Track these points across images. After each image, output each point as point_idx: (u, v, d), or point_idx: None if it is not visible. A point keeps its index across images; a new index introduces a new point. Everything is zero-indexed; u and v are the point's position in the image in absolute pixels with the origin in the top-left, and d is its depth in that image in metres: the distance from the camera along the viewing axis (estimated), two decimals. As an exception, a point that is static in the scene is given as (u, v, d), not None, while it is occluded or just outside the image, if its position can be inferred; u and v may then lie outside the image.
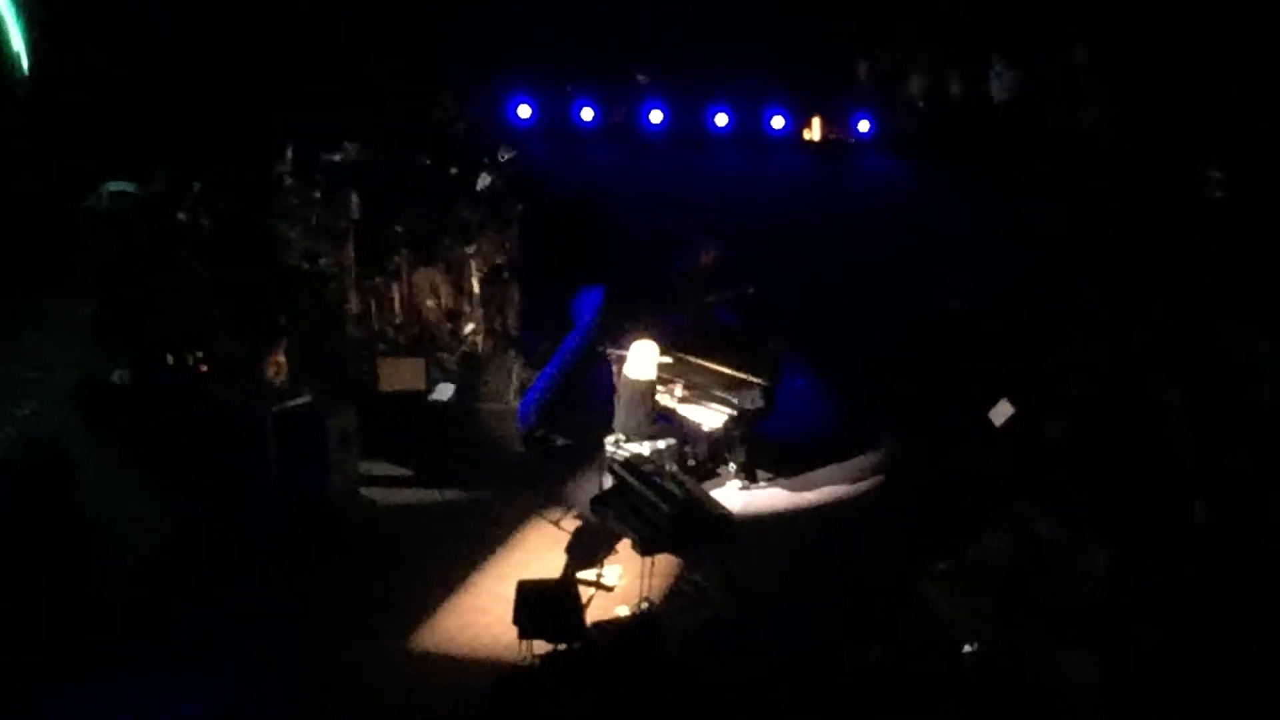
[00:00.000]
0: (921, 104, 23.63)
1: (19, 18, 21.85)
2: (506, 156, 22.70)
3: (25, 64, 22.09)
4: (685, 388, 20.14)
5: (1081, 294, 20.47)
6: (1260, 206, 20.27)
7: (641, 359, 19.54)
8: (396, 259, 21.75)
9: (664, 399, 19.96)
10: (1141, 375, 18.72)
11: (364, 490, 19.66)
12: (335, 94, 22.99)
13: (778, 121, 23.95)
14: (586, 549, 18.49)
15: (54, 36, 22.43)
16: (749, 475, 19.75)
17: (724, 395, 19.96)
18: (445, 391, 21.13)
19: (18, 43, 21.96)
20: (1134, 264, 20.50)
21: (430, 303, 21.75)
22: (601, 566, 17.95)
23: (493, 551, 18.56)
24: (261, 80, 23.14)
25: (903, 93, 23.81)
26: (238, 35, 23.31)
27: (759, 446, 19.99)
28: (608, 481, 18.81)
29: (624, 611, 17.14)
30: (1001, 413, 19.14)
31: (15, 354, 20.66)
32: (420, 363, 21.23)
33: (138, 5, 22.89)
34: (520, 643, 15.79)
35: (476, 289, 21.88)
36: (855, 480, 19.69)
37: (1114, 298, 20.06)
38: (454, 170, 22.45)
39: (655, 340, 19.78)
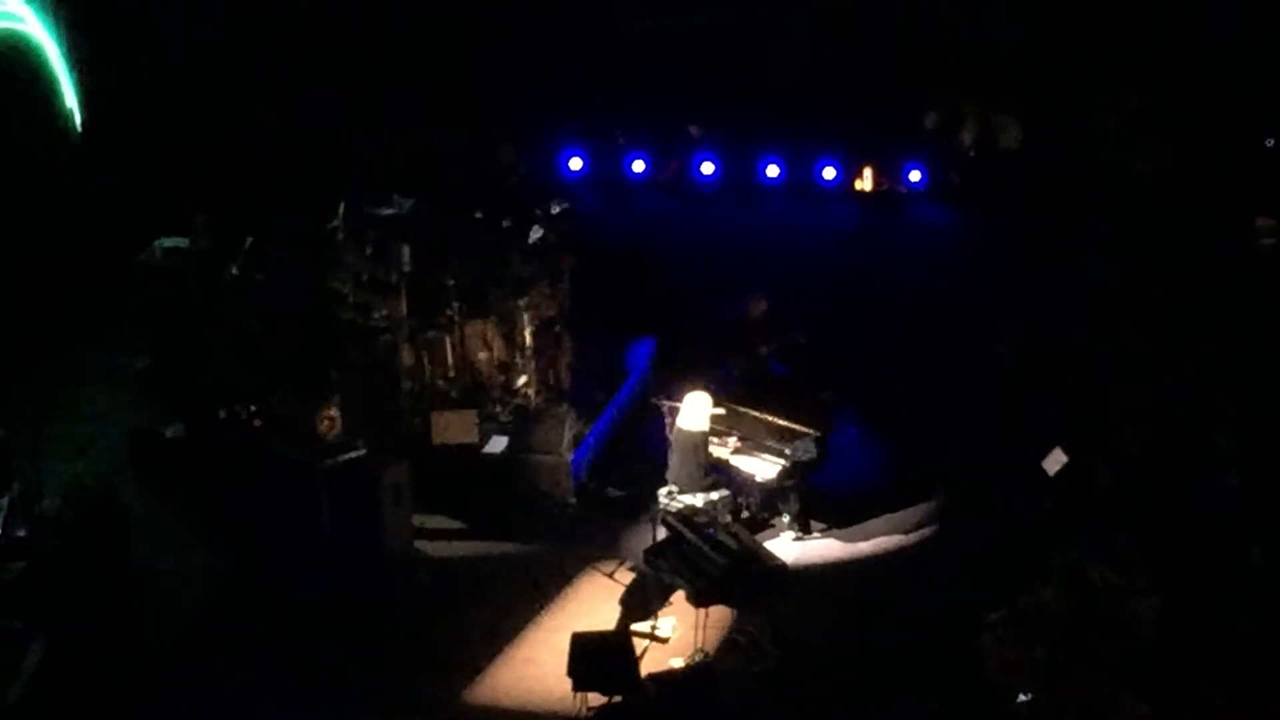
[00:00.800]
0: (973, 153, 23.64)
1: (73, 76, 22.17)
2: (558, 209, 22.65)
3: (78, 121, 22.34)
4: (738, 439, 19.96)
5: (1132, 341, 20.22)
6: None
7: (694, 410, 19.38)
8: (449, 312, 21.63)
9: (717, 450, 19.77)
10: (1192, 422, 18.50)
11: (418, 544, 19.55)
12: (388, 148, 23.19)
13: (829, 172, 24.00)
14: (640, 601, 18.35)
15: (105, 95, 22.80)
16: (803, 526, 19.59)
17: (777, 446, 19.78)
18: (498, 444, 21.01)
19: (69, 95, 22.26)
20: (1184, 311, 20.35)
21: (483, 355, 21.67)
22: (656, 618, 17.85)
23: (546, 604, 18.50)
24: (315, 134, 23.52)
25: (955, 143, 23.85)
26: (291, 90, 23.66)
27: (812, 497, 19.80)
28: (661, 533, 18.73)
29: (679, 663, 17.07)
30: (1055, 461, 18.92)
31: (70, 408, 20.87)
32: (472, 415, 21.09)
33: (185, 61, 23.28)
34: (574, 695, 15.74)
35: (529, 341, 21.78)
36: (909, 531, 19.51)
37: (1164, 345, 19.81)
38: (506, 223, 22.41)
39: (708, 391, 19.63)
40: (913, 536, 19.54)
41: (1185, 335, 19.46)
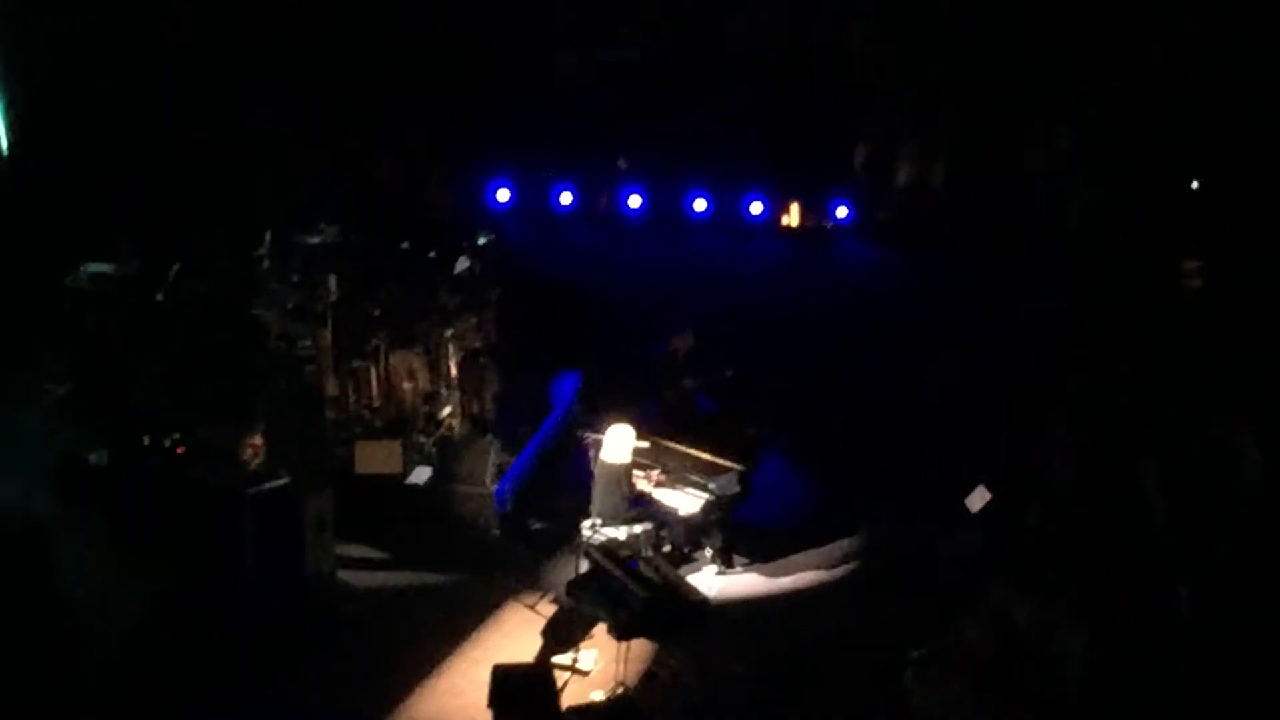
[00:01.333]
0: (903, 190, 23.78)
1: (1, 99, 22.12)
2: (485, 240, 22.75)
3: (4, 144, 22.39)
4: (662, 472, 20.03)
5: (1060, 378, 20.46)
6: (1237, 293, 20.34)
7: (618, 443, 19.44)
8: (374, 342, 21.75)
9: (641, 484, 19.81)
10: (1118, 457, 18.59)
11: (341, 573, 19.47)
12: (315, 176, 23.21)
13: (756, 207, 24.08)
14: (562, 633, 18.24)
15: (33, 117, 22.88)
16: (725, 560, 19.63)
17: (701, 480, 19.86)
18: (422, 475, 21.09)
19: None
20: (1112, 348, 20.50)
21: (408, 386, 21.76)
22: (577, 651, 17.81)
23: (468, 635, 18.43)
24: (241, 161, 23.45)
25: (883, 179, 23.98)
26: (219, 115, 23.59)
27: (735, 532, 19.84)
28: (584, 566, 18.65)
29: (599, 696, 17.02)
30: (978, 499, 19.05)
31: None
32: (397, 446, 21.13)
33: (116, 83, 23.13)
34: (495, 727, 15.98)
35: (454, 372, 21.91)
36: (832, 566, 19.52)
37: (1092, 381, 20.05)
38: (432, 253, 22.51)
39: (632, 425, 19.70)
40: (836, 572, 19.53)
41: (1113, 372, 19.69)
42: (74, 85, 23.28)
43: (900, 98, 23.99)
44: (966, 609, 17.34)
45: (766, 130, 24.21)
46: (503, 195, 24.39)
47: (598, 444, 19.70)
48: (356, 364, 21.71)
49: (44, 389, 21.75)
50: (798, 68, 24.00)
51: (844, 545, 19.66)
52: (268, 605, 18.60)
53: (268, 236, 22.11)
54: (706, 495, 19.75)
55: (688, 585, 18.06)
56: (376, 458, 20.98)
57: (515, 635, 18.35)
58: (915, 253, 23.68)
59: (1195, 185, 22.89)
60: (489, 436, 21.64)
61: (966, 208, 23.32)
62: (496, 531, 20.60)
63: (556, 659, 17.70)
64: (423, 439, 21.52)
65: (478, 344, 22.09)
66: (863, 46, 23.93)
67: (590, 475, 19.75)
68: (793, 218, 24.42)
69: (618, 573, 17.68)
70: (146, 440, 20.50)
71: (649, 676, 17.42)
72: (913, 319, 22.73)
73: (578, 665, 17.66)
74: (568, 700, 16.54)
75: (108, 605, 18.25)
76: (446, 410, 21.79)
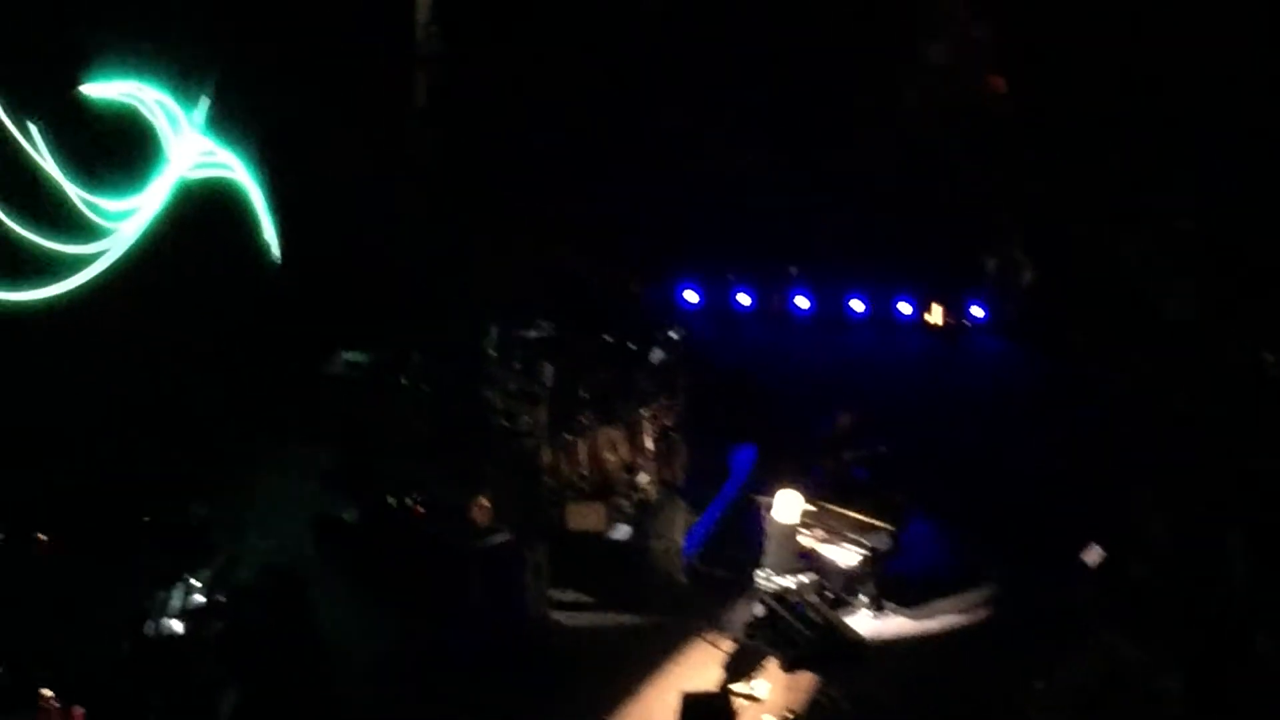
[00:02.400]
0: (1028, 293, 24.30)
1: (271, 210, 23.11)
2: (677, 335, 23.35)
3: (275, 249, 23.37)
4: (824, 531, 20.75)
5: (1160, 455, 21.06)
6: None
7: (787, 506, 20.25)
8: (583, 419, 22.39)
9: (806, 540, 20.56)
10: (1208, 522, 19.28)
11: (554, 615, 20.41)
12: (533, 278, 24.01)
13: (905, 308, 24.63)
14: (740, 666, 19.20)
15: (297, 225, 23.76)
16: (877, 606, 20.29)
17: (857, 537, 20.59)
18: (622, 532, 21.80)
19: (269, 231, 23.22)
20: (1200, 429, 21.12)
21: (610, 457, 22.33)
22: (752, 681, 18.69)
23: (660, 667, 19.32)
24: (470, 263, 24.45)
25: (1011, 283, 24.52)
26: (452, 225, 24.73)
27: (886, 581, 20.51)
28: (759, 609, 19.67)
29: (771, 719, 18.00)
30: (1093, 555, 19.69)
31: (265, 493, 21.83)
32: (601, 507, 21.89)
33: (367, 196, 24.23)
34: (684, 745, 16.49)
35: (650, 446, 22.48)
36: (968, 611, 20.23)
37: (1185, 457, 20.66)
38: (632, 346, 23.16)
39: (799, 490, 20.47)
40: (971, 616, 20.21)
41: (1202, 450, 20.40)
42: (331, 198, 24.14)
43: (1018, 211, 24.59)
44: (1081, 650, 18.18)
45: (913, 240, 24.76)
46: (691, 296, 24.89)
47: (769, 506, 20.39)
48: (567, 438, 22.21)
49: (307, 458, 22.53)
50: (937, 186, 24.70)
51: (978, 594, 20.31)
52: (492, 641, 19.52)
53: (493, 330, 22.85)
54: (862, 551, 20.45)
55: (846, 626, 19.11)
56: (585, 517, 21.74)
57: (700, 668, 19.20)
58: (1038, 346, 24.18)
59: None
60: (679, 500, 22.08)
61: (1078, 307, 23.83)
62: (684, 580, 21.25)
63: (735, 687, 18.49)
64: (623, 502, 22.07)
65: (670, 422, 22.61)
66: (985, 169, 24.57)
67: (763, 533, 20.51)
68: (935, 316, 24.91)
69: (787, 615, 18.85)
70: (391, 501, 21.41)
71: (813, 704, 18.25)
72: (1034, 402, 23.32)
73: (753, 693, 18.43)
74: (744, 722, 17.26)
75: (358, 640, 19.44)
76: (643, 478, 22.29)
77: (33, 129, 19.96)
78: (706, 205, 25.27)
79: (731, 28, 25.63)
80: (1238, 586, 18.92)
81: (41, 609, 19.16)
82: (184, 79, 22.25)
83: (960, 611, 20.41)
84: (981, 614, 20.37)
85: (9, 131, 19.67)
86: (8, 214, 19.70)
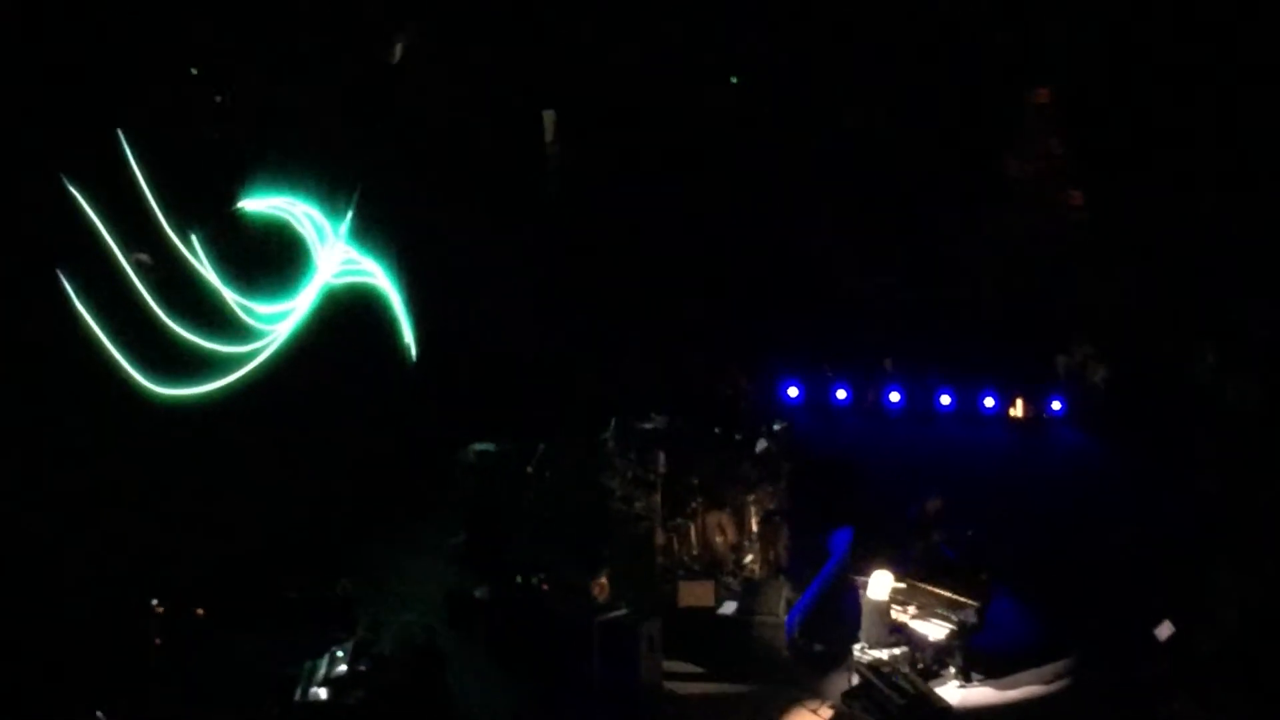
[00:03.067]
0: (1103, 389, 24.51)
1: (408, 312, 23.80)
2: (779, 426, 23.67)
3: (413, 348, 24.04)
4: (915, 607, 20.97)
5: (1226, 542, 21.22)
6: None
7: (880, 584, 20.57)
8: (693, 505, 22.69)
9: (898, 615, 20.81)
10: (1271, 607, 19.53)
11: (667, 684, 20.71)
12: (648, 375, 24.46)
13: (989, 402, 24.92)
14: None
15: (432, 328, 24.40)
16: (964, 676, 20.51)
17: (945, 613, 20.81)
18: (729, 607, 21.96)
19: (407, 332, 23.90)
20: (1263, 518, 21.27)
21: (719, 539, 22.68)
22: None
23: None
24: (589, 363, 24.94)
25: (1086, 380, 24.74)
26: (574, 329, 25.15)
27: (972, 653, 20.70)
28: (855, 679, 19.94)
29: (865, 780, 17.71)
30: (1164, 630, 19.84)
31: (403, 571, 22.28)
32: (710, 585, 22.16)
33: (494, 302, 24.90)
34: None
35: (755, 528, 22.75)
36: (1049, 682, 20.38)
37: (1250, 546, 20.85)
38: (738, 436, 23.46)
39: (892, 570, 20.77)
40: (1052, 686, 20.37)
41: (1265, 540, 20.72)
42: (463, 301, 24.76)
43: (1093, 315, 24.82)
44: (1154, 716, 18.66)
45: (998, 341, 25.08)
46: (793, 392, 25.23)
47: (865, 584, 20.63)
48: (679, 521, 22.53)
49: (441, 539, 23.09)
50: (1019, 291, 25.12)
51: (1058, 665, 20.40)
52: (610, 708, 20.02)
53: (612, 422, 23.19)
54: (950, 625, 20.64)
55: (935, 695, 19.35)
56: (695, 594, 21.95)
57: None
58: (1111, 438, 24.35)
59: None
60: (781, 578, 22.35)
61: (1146, 404, 24.05)
62: (787, 652, 21.44)
63: None
64: (730, 580, 22.32)
65: (773, 506, 22.81)
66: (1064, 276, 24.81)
67: (859, 609, 20.75)
68: (1018, 410, 25.15)
69: (881, 685, 19.08)
70: (519, 579, 21.76)
71: None
72: (1109, 488, 23.44)
73: None
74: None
75: (487, 708, 19.93)
76: (749, 558, 22.55)
77: (194, 240, 20.64)
78: (807, 310, 25.73)
79: (831, 149, 26.30)
80: None
81: (200, 676, 19.88)
82: (330, 194, 23.01)
83: (1041, 682, 20.50)
84: (1061, 684, 20.44)
85: (173, 242, 20.32)
86: (171, 317, 20.22)
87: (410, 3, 24.22)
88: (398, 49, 23.75)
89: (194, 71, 21.73)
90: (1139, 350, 24.79)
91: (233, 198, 21.56)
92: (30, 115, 18.81)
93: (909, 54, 25.87)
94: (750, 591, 22.58)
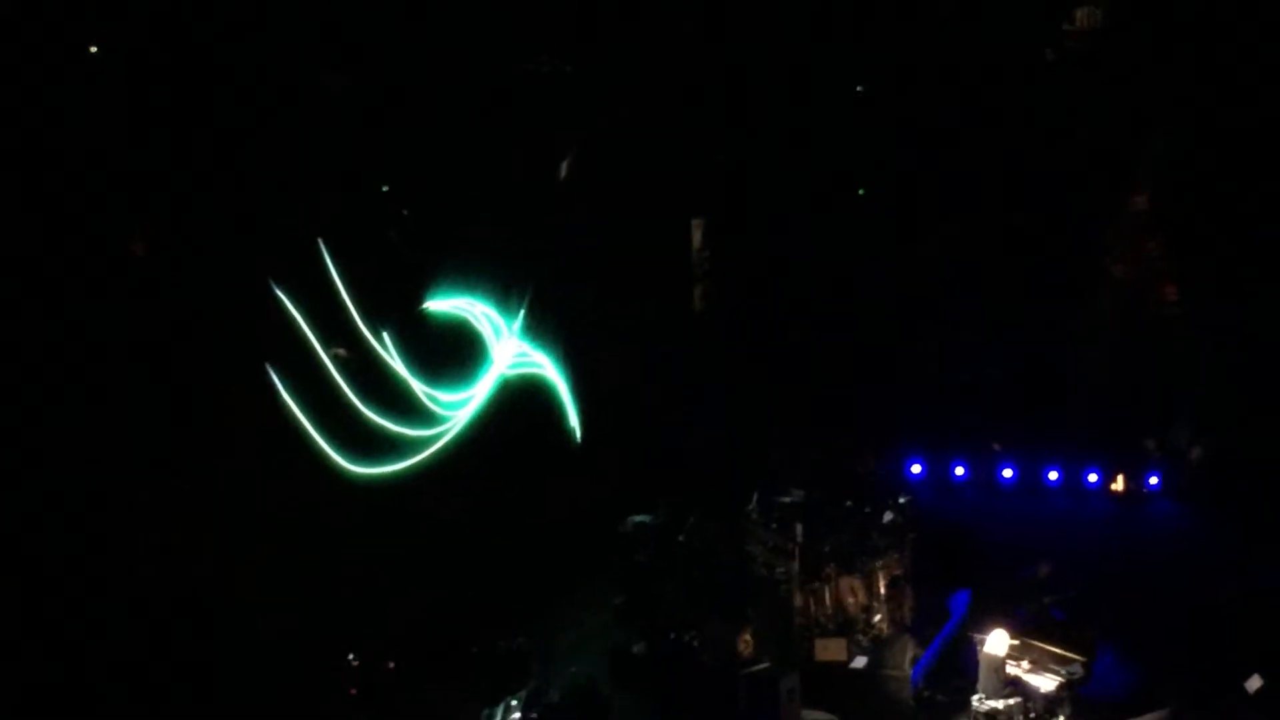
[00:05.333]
0: (1195, 465, 24.36)
1: (573, 398, 24.22)
2: (904, 500, 23.79)
3: (577, 431, 24.51)
4: (1028, 661, 20.87)
5: None
6: None
7: (997, 641, 20.53)
8: (827, 570, 22.84)
9: (1013, 669, 20.72)
10: None
11: None
12: (788, 455, 24.65)
13: (1093, 477, 24.85)
14: None
15: (594, 413, 24.83)
16: None
17: (1055, 667, 20.69)
18: (860, 662, 22.10)
19: (572, 416, 24.37)
20: None
21: (850, 600, 22.80)
22: None
23: None
24: (739, 443, 25.25)
25: (1182, 457, 24.64)
26: (714, 417, 25.44)
27: (1080, 704, 20.61)
28: None
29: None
30: (1254, 683, 19.86)
31: (570, 627, 22.61)
32: (843, 641, 22.31)
33: (647, 393, 25.26)
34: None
35: (883, 591, 22.88)
36: None
37: None
38: (867, 509, 23.57)
39: (1007, 628, 20.74)
40: None
41: None
42: (622, 392, 25.35)
43: (1188, 398, 24.80)
44: None
45: (1102, 424, 25.12)
46: (916, 469, 25.30)
47: (983, 641, 20.59)
48: (815, 585, 22.63)
49: (604, 600, 23.39)
50: (1120, 377, 24.92)
51: (1158, 714, 20.25)
52: None
53: (755, 496, 23.40)
54: (1059, 678, 20.56)
55: None
56: (829, 650, 22.11)
57: None
58: (1206, 511, 24.33)
59: None
60: (906, 636, 22.40)
61: (1236, 479, 23.96)
62: (912, 702, 21.50)
63: None
64: (861, 638, 22.41)
65: (899, 571, 22.95)
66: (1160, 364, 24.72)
67: (977, 663, 20.71)
68: (1119, 485, 25.00)
69: None
70: (671, 636, 22.01)
71: None
72: (1201, 556, 23.37)
73: None
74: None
75: None
76: (878, 618, 22.65)
77: (386, 336, 21.27)
78: (930, 396, 25.87)
79: (941, 257, 26.45)
80: None
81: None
82: (503, 296, 23.56)
83: None
84: None
85: (367, 338, 20.96)
86: (365, 404, 20.79)
87: (571, 124, 24.61)
88: (564, 166, 23.98)
89: (384, 189, 22.18)
90: (1228, 430, 24.68)
91: (419, 299, 22.07)
92: (243, 226, 19.46)
93: (1015, 156, 26.02)
94: (879, 647, 22.68)
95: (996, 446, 25.20)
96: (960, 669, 21.75)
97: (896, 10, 26.10)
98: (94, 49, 19.05)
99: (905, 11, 26.01)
